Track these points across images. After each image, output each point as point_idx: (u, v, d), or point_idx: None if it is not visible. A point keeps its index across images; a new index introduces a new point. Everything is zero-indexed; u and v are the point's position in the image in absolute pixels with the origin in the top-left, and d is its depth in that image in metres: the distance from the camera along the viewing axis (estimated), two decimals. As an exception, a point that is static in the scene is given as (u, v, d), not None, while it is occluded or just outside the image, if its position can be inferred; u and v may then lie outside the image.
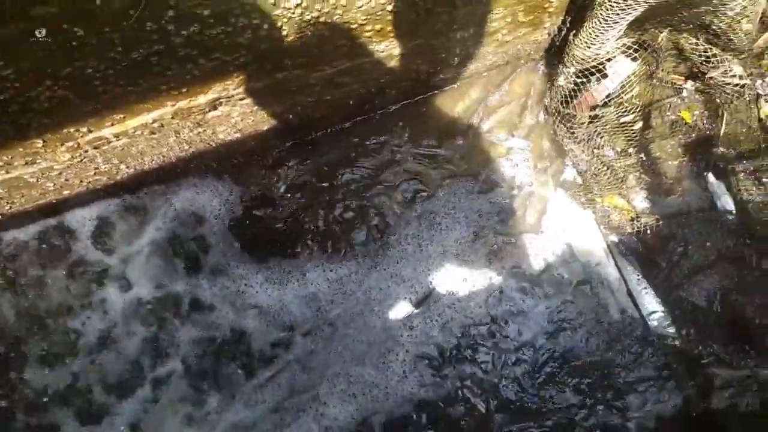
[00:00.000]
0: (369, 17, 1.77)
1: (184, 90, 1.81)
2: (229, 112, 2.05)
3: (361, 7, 1.70)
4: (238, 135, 2.24)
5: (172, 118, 1.93)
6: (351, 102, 2.32)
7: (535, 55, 2.56)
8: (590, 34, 2.05)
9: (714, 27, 2.17)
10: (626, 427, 2.30)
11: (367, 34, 1.86)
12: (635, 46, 2.19)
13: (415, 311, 2.35)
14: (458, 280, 2.41)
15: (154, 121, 1.90)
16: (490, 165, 2.53)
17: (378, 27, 1.85)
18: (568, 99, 2.34)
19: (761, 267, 2.39)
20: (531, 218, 2.51)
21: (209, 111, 1.99)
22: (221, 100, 1.95)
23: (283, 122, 2.27)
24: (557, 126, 2.49)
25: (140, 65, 1.59)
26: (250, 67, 1.81)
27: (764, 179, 2.47)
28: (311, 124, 2.40)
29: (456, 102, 2.57)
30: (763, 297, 2.34)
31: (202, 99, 1.90)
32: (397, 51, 2.05)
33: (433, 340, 2.34)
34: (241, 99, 1.99)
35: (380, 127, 2.53)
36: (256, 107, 2.09)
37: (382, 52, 2.02)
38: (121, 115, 1.82)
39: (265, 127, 2.27)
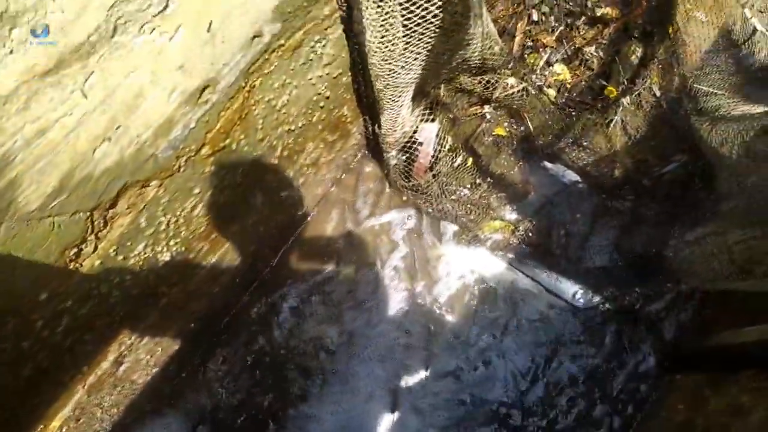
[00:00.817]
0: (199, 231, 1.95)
1: (85, 368, 1.87)
2: (137, 357, 2.12)
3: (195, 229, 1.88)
4: (156, 369, 2.29)
5: (89, 396, 1.96)
6: (238, 280, 2.46)
7: (364, 150, 2.86)
8: (388, 121, 2.36)
9: (475, 63, 2.57)
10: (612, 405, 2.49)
11: (204, 248, 2.04)
12: (428, 111, 2.54)
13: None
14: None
15: (74, 409, 1.93)
16: (380, 252, 2.74)
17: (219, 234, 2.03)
18: (406, 174, 2.63)
19: (622, 209, 2.75)
20: (439, 274, 2.72)
21: (118, 369, 2.05)
22: (123, 353, 2.02)
23: (189, 331, 2.36)
24: (411, 196, 2.76)
25: (38, 374, 1.65)
26: (133, 312, 1.91)
27: (584, 143, 2.87)
28: (216, 314, 2.50)
29: (324, 223, 2.78)
30: (638, 229, 2.68)
31: (106, 364, 1.97)
32: (255, 217, 2.24)
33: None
34: (140, 341, 2.07)
35: (275, 283, 2.67)
36: (159, 337, 2.18)
37: (241, 231, 2.20)
38: (41, 425, 1.84)
39: (176, 346, 2.34)
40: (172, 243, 1.84)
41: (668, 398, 2.31)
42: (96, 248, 1.54)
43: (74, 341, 1.72)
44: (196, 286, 2.19)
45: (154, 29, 1.24)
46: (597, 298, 2.64)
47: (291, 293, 2.66)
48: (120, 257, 1.66)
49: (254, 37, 1.55)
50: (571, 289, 2.65)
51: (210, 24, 1.38)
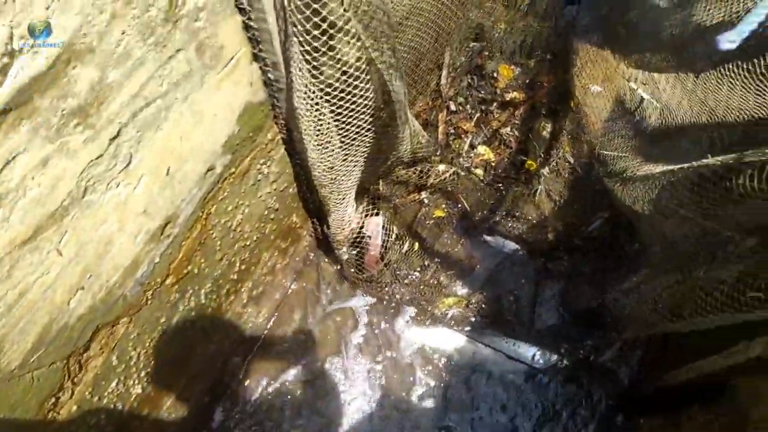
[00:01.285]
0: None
1: None
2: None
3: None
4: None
5: None
6: (207, 399, 2.46)
7: (316, 249, 2.99)
8: (336, 222, 2.52)
9: (407, 158, 2.81)
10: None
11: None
12: (371, 206, 2.72)
13: None
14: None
15: None
16: (344, 340, 2.81)
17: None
18: (359, 267, 2.77)
19: (561, 269, 2.98)
20: (403, 355, 2.81)
21: None
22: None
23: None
24: (366, 287, 2.89)
25: None
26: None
27: (516, 214, 3.12)
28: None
29: (286, 325, 2.84)
30: (578, 286, 2.90)
31: None
32: (219, 334, 2.29)
33: None
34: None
35: (245, 393, 2.67)
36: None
37: (207, 351, 2.24)
38: None
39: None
40: (143, 374, 1.87)
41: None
42: (72, 393, 1.57)
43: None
44: (167, 412, 2.18)
45: (119, 184, 1.36)
46: (554, 357, 2.79)
47: (260, 401, 2.66)
48: (95, 398, 1.68)
49: (208, 171, 1.70)
50: (530, 352, 2.80)
51: (168, 169, 1.51)
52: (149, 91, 1.31)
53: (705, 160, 1.87)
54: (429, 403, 2.72)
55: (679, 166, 2.05)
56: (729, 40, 1.93)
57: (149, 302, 1.72)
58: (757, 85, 1.93)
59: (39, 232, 1.20)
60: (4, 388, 1.31)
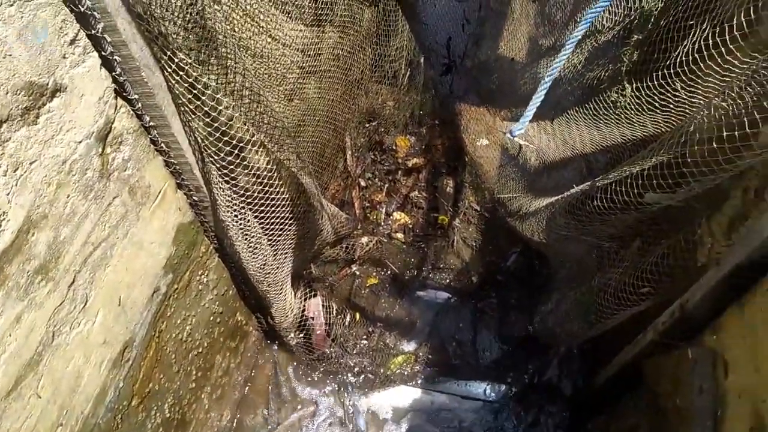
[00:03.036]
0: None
1: None
2: None
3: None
4: None
5: None
6: None
7: (264, 340, 3.13)
8: (279, 311, 2.71)
9: (331, 239, 3.07)
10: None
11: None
12: (308, 289, 2.94)
13: None
14: None
15: None
16: (311, 420, 2.93)
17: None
18: (309, 348, 2.95)
19: (492, 305, 3.29)
20: (365, 421, 2.96)
21: None
22: None
23: None
24: (321, 366, 3.06)
25: None
26: None
27: (441, 266, 3.43)
28: None
29: (251, 421, 2.93)
30: (509, 317, 3.21)
31: None
32: (186, 450, 2.37)
33: None
34: None
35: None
36: None
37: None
38: None
39: None
40: (124, 499, 1.94)
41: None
42: None
43: None
44: None
45: (80, 323, 1.53)
46: (503, 387, 3.05)
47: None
48: None
49: (154, 293, 1.88)
50: (480, 388, 3.04)
51: (120, 298, 1.69)
52: (95, 236, 1.52)
53: (571, 190, 2.27)
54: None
55: (554, 198, 2.44)
56: (517, 129, 2.42)
57: (119, 426, 1.84)
58: (594, 122, 2.38)
59: (20, 381, 1.34)
60: None
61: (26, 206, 1.26)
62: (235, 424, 2.89)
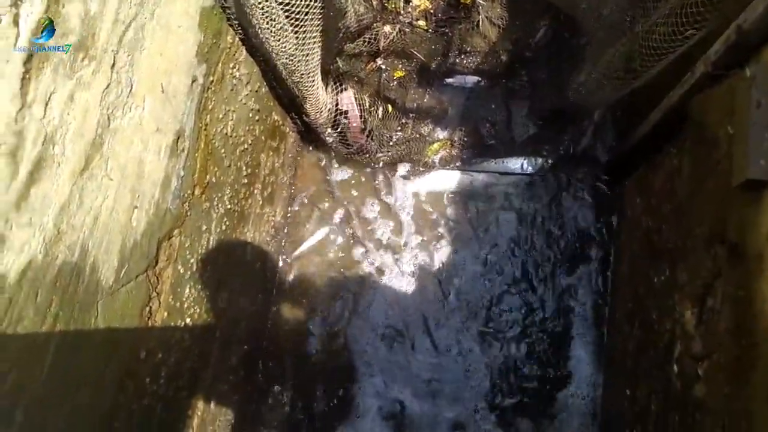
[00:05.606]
0: None
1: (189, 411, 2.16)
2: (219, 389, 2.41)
3: None
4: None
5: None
6: (260, 296, 2.77)
7: (301, 143, 3.18)
8: (313, 107, 2.69)
9: (354, 28, 2.93)
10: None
11: None
12: (337, 83, 2.89)
13: None
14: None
15: (198, 450, 2.21)
16: (362, 208, 3.10)
17: None
18: (346, 143, 2.99)
19: (521, 83, 3.21)
20: (412, 204, 3.11)
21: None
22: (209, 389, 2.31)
23: (244, 353, 2.66)
24: (359, 159, 3.12)
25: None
26: (204, 351, 2.20)
27: (468, 49, 3.30)
28: (259, 333, 2.80)
29: (306, 221, 3.10)
30: (541, 92, 3.15)
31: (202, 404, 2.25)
32: (253, 230, 2.54)
33: None
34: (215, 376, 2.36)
35: (292, 289, 2.98)
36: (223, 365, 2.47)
37: (248, 249, 2.51)
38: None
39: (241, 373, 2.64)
40: (205, 278, 2.14)
41: (627, 198, 2.80)
42: (159, 302, 1.83)
43: (176, 389, 2.01)
44: (231, 312, 2.48)
45: (131, 107, 1.54)
46: (540, 160, 3.11)
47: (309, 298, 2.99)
48: (177, 304, 1.95)
49: (192, 82, 1.86)
50: (518, 163, 3.11)
51: (162, 86, 1.68)
52: (123, 14, 1.45)
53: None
54: (458, 230, 3.05)
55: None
56: None
57: (188, 213, 1.94)
58: None
59: (89, 161, 1.39)
60: (111, 302, 1.57)
61: (49, -28, 1.18)
62: (288, 220, 3.06)
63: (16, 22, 1.13)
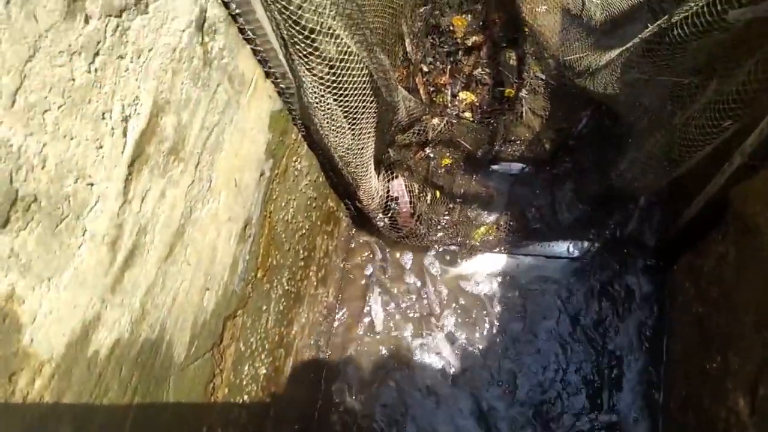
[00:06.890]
0: None
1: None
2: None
3: None
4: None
5: None
6: (320, 379, 2.85)
7: (353, 228, 3.36)
8: (366, 193, 2.88)
9: (405, 122, 3.17)
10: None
11: None
12: (389, 172, 3.09)
13: None
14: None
15: None
16: (410, 291, 3.18)
17: None
18: (396, 227, 3.15)
19: (566, 169, 3.33)
20: (462, 287, 3.18)
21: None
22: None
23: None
24: (409, 242, 3.26)
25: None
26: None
27: (512, 138, 3.48)
28: (309, 413, 2.85)
29: (351, 297, 3.22)
30: (586, 178, 3.26)
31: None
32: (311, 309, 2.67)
33: None
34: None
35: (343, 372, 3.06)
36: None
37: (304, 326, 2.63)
38: None
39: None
40: (263, 356, 2.26)
41: (676, 283, 2.80)
42: (222, 379, 1.95)
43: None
44: (284, 391, 2.57)
45: (209, 200, 1.74)
46: (586, 243, 3.16)
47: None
48: (236, 381, 2.07)
49: (260, 176, 2.07)
50: (564, 247, 3.17)
51: (235, 180, 1.89)
52: (208, 122, 1.68)
53: (646, 31, 2.23)
54: (505, 314, 3.09)
55: (628, 45, 2.41)
56: None
57: (251, 294, 2.10)
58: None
59: (173, 248, 1.57)
60: (181, 378, 1.70)
61: (152, 92, 1.42)
62: (339, 301, 3.18)
63: (124, 133, 1.35)
